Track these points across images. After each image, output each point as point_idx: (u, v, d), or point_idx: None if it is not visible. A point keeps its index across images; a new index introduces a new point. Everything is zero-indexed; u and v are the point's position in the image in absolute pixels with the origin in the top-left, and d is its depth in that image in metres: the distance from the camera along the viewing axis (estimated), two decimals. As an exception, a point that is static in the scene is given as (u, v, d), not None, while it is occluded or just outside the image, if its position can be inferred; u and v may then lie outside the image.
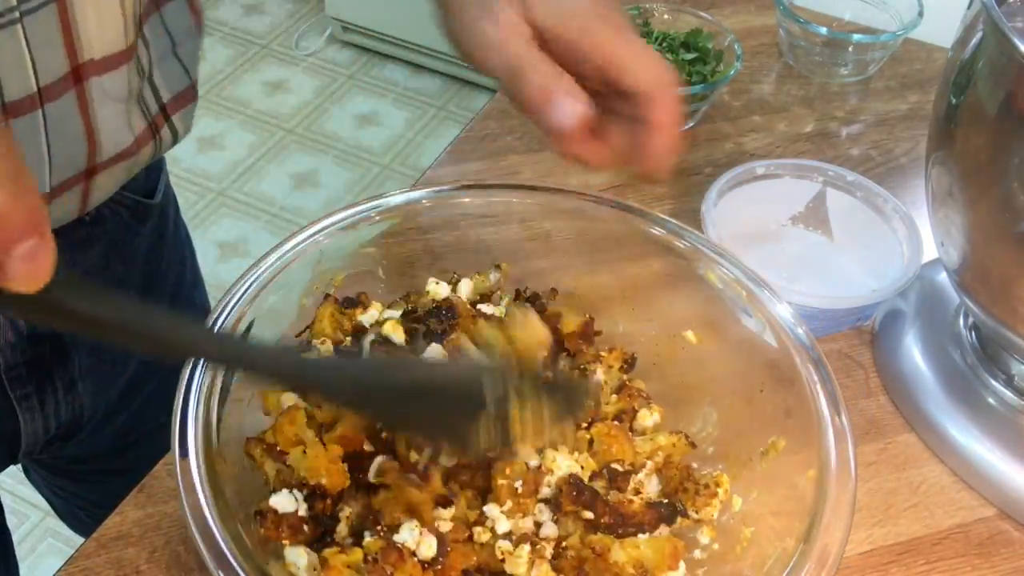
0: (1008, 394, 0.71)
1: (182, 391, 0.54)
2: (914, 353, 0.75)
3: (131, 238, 0.74)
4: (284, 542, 0.53)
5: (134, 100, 0.64)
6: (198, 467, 0.51)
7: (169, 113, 0.67)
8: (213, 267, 2.15)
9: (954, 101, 0.64)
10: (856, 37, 0.99)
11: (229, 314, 0.58)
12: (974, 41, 0.61)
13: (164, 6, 0.65)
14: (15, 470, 1.84)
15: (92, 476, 0.89)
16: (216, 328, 0.56)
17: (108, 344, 0.71)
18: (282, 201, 2.35)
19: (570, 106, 0.52)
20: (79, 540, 1.17)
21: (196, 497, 0.50)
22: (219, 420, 0.54)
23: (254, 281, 0.59)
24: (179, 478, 0.51)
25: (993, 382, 0.72)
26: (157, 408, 0.79)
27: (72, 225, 0.66)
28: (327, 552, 0.52)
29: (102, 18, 0.57)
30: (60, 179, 0.61)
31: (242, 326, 0.58)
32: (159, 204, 0.77)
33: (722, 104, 1.00)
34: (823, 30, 0.99)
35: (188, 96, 0.69)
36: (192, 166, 2.38)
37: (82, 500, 0.94)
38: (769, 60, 1.05)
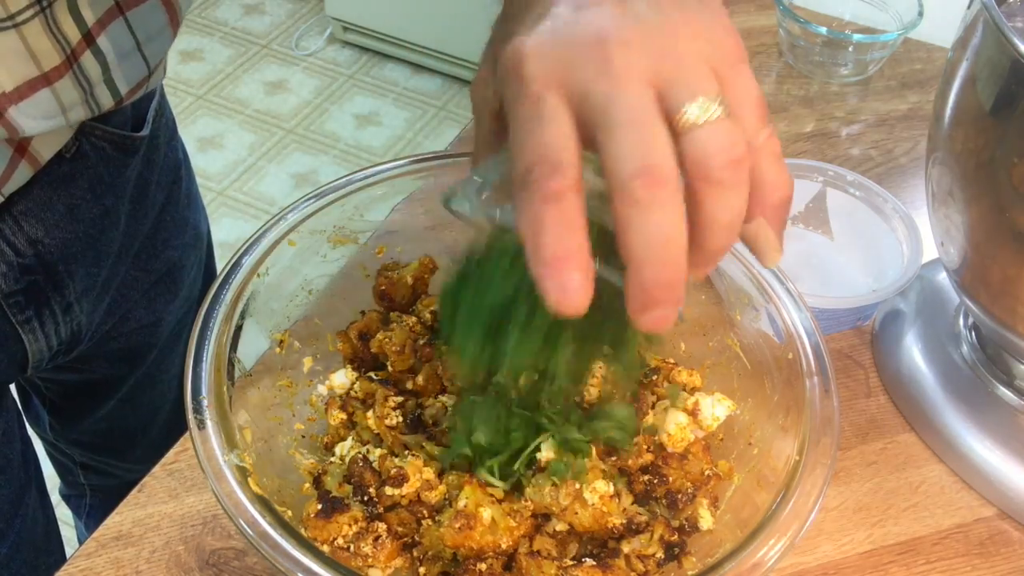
0: (1008, 394, 0.71)
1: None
2: (914, 353, 0.75)
3: (119, 170, 0.75)
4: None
5: (79, 104, 0.65)
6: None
7: (125, 99, 0.69)
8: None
9: (954, 101, 0.64)
10: (856, 37, 0.99)
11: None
12: (974, 41, 0.61)
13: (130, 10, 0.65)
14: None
15: (87, 373, 0.92)
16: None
17: (96, 267, 0.76)
18: (282, 201, 2.35)
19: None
20: (79, 542, 1.17)
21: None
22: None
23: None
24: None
25: (993, 382, 0.72)
26: (140, 309, 0.86)
27: (54, 161, 0.68)
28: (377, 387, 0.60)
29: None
30: None
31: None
32: (147, 136, 0.78)
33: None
34: (823, 30, 0.99)
35: (142, 83, 0.70)
36: (192, 166, 2.38)
37: (66, 390, 0.97)
38: (769, 60, 1.05)
